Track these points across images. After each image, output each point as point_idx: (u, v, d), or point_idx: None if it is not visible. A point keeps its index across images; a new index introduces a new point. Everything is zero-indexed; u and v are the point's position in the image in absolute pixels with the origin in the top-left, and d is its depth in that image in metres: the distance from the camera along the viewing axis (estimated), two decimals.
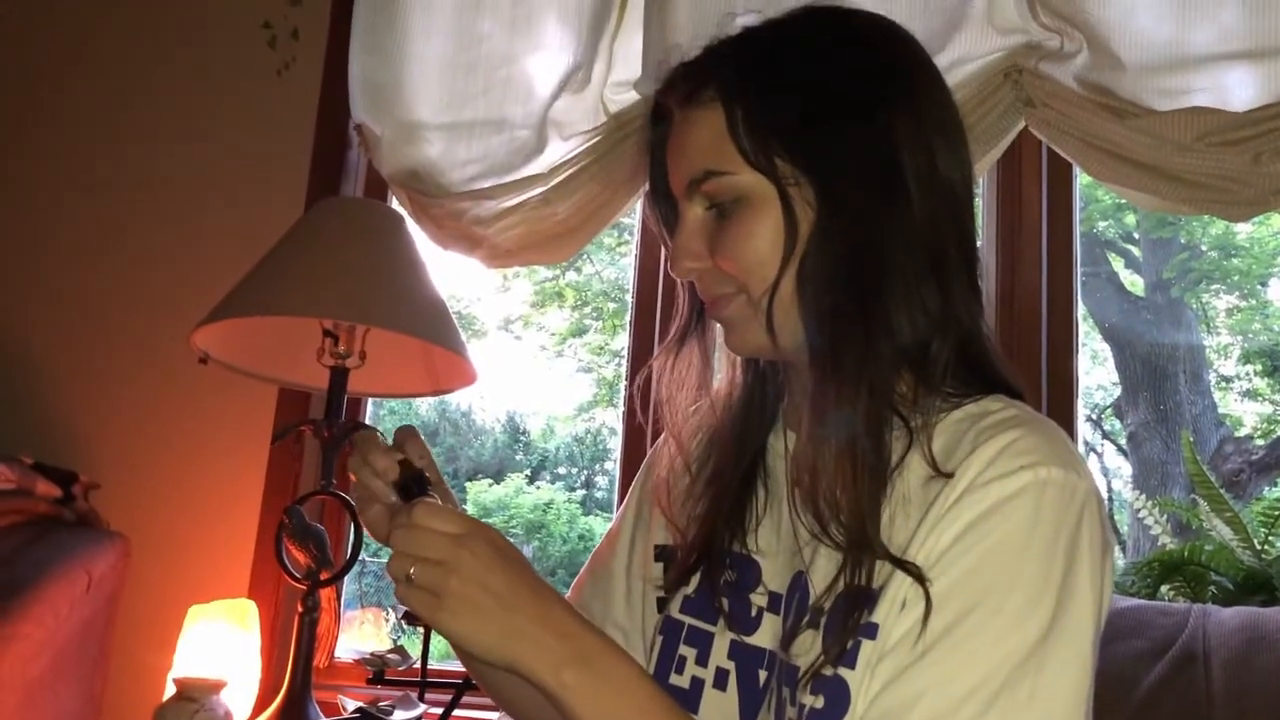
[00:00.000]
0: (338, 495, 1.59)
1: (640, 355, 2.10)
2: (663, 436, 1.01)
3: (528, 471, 4.91)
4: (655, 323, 2.08)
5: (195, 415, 2.14)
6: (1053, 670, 0.71)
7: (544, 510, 4.74)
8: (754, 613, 0.88)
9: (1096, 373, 3.90)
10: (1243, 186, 1.62)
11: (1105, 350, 3.87)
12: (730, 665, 0.88)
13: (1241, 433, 3.74)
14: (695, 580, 0.93)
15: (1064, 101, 1.75)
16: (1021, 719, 0.70)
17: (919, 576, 0.74)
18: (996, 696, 0.70)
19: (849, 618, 0.77)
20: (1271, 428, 3.68)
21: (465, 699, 1.65)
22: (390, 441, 0.91)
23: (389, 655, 1.64)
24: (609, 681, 0.74)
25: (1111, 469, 4.07)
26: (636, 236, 2.23)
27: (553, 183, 1.99)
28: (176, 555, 2.05)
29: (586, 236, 2.05)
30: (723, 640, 0.89)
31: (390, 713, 1.52)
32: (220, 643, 1.76)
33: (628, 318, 2.19)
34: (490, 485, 4.83)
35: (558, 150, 2.01)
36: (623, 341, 3.82)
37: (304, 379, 1.72)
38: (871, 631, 0.76)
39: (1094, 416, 4.02)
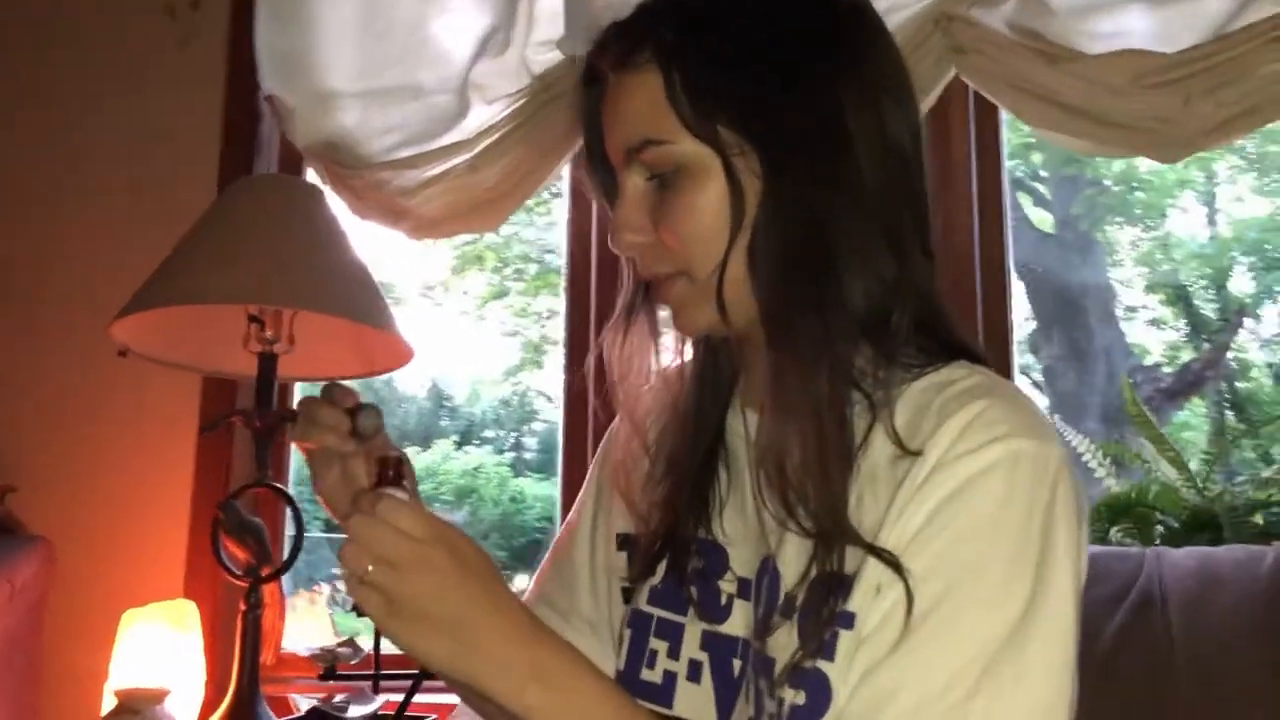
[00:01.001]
0: (274, 487, 1.54)
1: (575, 319, 2.06)
2: (618, 418, 0.97)
3: (455, 437, 4.86)
4: (590, 285, 2.04)
5: (115, 410, 2.05)
6: (1036, 648, 0.69)
7: (473, 475, 4.70)
8: (724, 600, 0.85)
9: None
10: (1174, 127, 1.64)
11: (1019, 287, 3.94)
12: (703, 657, 0.85)
13: (1150, 361, 3.83)
14: (661, 569, 0.89)
15: (995, 47, 1.74)
16: (1007, 700, 0.68)
17: (895, 564, 0.71)
18: (981, 680, 0.68)
19: (824, 607, 0.74)
20: (1176, 354, 3.78)
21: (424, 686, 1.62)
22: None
23: (340, 649, 1.60)
24: (573, 699, 0.70)
25: None
26: (566, 197, 2.17)
27: (478, 149, 1.93)
28: (105, 558, 1.97)
29: (516, 202, 2.00)
30: (694, 631, 0.86)
31: (345, 709, 1.48)
32: (159, 647, 1.70)
33: (562, 284, 2.14)
34: (419, 452, 4.77)
35: (481, 115, 1.95)
36: (546, 303, 3.76)
37: (231, 367, 1.65)
38: (848, 620, 0.73)
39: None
